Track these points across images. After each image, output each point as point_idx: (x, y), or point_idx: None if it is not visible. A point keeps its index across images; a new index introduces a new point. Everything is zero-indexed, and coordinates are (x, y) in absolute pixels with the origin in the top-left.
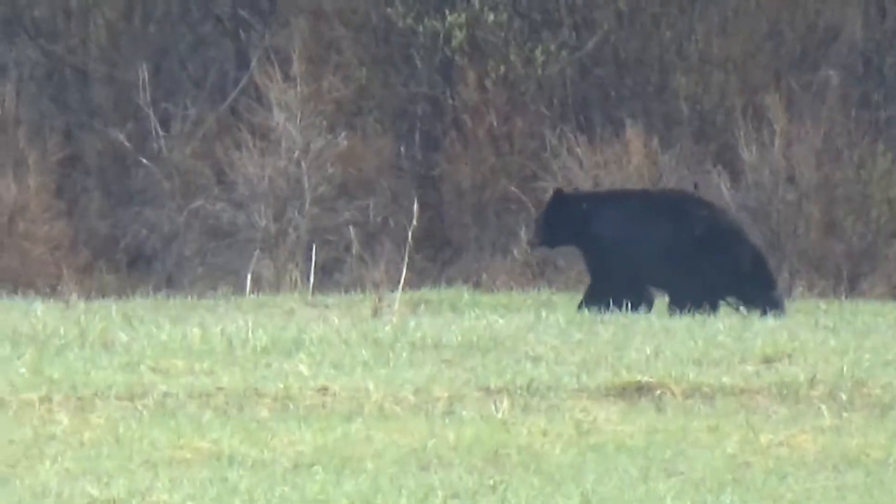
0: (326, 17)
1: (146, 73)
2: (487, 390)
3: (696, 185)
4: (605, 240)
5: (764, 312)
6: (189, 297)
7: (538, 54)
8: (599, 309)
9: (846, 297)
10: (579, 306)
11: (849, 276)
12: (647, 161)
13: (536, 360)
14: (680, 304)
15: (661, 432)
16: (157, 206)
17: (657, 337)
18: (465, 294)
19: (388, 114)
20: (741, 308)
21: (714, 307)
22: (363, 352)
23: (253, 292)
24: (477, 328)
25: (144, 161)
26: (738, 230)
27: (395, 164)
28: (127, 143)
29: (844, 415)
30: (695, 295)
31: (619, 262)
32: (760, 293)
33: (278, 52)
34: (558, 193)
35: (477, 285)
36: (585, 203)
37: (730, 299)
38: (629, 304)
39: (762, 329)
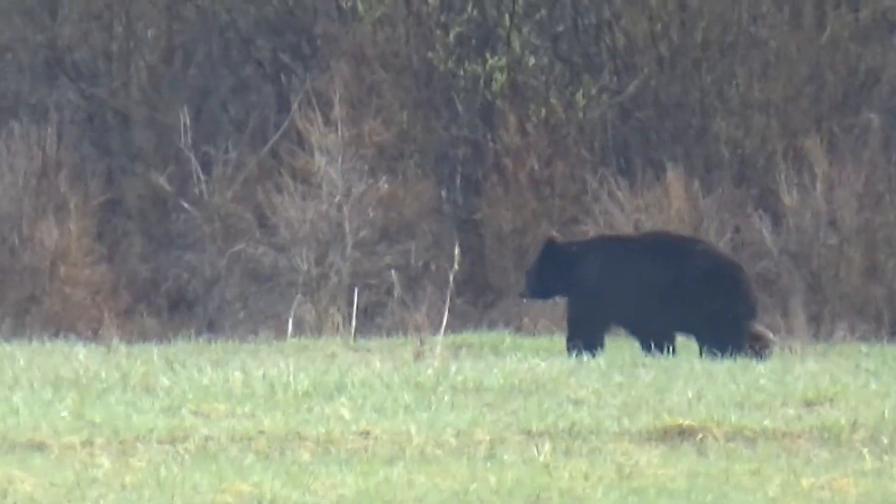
0: (367, 61)
1: (187, 117)
2: (529, 433)
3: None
4: (586, 284)
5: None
6: (230, 341)
7: (579, 98)
8: (584, 352)
9: (888, 340)
10: (573, 352)
11: (890, 319)
12: (688, 205)
13: (578, 403)
14: (719, 347)
15: (703, 476)
16: (198, 250)
17: (699, 380)
18: (506, 337)
19: (429, 157)
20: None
21: (739, 343)
22: (405, 395)
23: (294, 336)
24: (518, 371)
25: (185, 205)
26: (738, 264)
27: (437, 207)
28: (168, 187)
29: (886, 458)
30: (729, 334)
31: (597, 305)
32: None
33: (319, 95)
34: (551, 243)
35: (518, 329)
36: (576, 250)
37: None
38: (660, 348)
39: (803, 373)
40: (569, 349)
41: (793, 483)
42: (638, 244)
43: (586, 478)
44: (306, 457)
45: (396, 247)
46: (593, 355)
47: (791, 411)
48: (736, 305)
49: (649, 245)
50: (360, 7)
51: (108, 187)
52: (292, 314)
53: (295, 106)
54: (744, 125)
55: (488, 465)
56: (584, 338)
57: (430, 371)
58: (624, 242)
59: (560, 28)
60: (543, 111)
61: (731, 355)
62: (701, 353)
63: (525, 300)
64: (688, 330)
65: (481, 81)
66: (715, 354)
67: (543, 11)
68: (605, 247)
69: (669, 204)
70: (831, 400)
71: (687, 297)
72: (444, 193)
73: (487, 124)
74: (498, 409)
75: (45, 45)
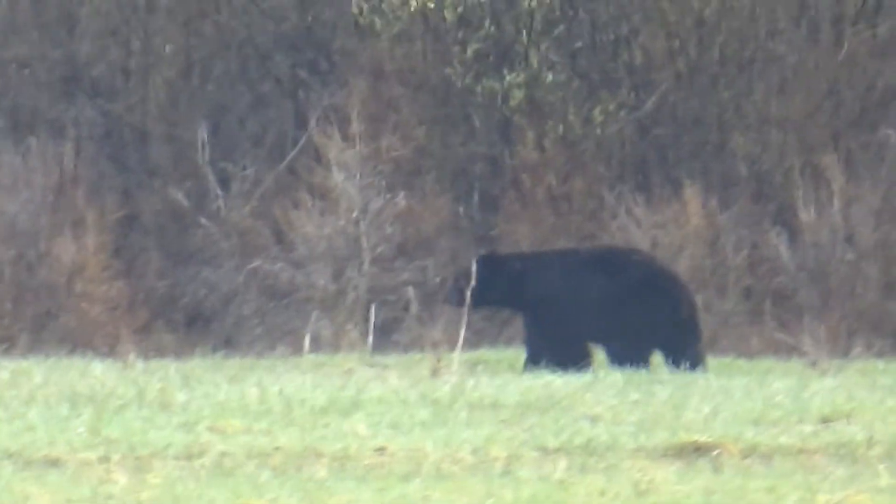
0: (385, 76)
1: (205, 133)
2: (545, 450)
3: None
4: (546, 300)
5: (685, 365)
6: (247, 357)
7: (597, 114)
8: (546, 367)
9: None
10: (525, 367)
11: None
12: (706, 221)
13: (594, 419)
14: (620, 358)
15: (719, 493)
16: (215, 266)
17: (715, 397)
18: (523, 354)
19: (447, 173)
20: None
21: (647, 359)
22: (421, 412)
23: (311, 352)
24: (535, 388)
25: (203, 220)
26: (674, 275)
27: (454, 223)
28: (185, 203)
29: None
30: (633, 346)
31: (560, 321)
32: (689, 343)
33: (337, 111)
34: (487, 256)
35: None
36: (518, 264)
37: (658, 349)
38: (574, 363)
39: (820, 389)
40: (533, 361)
41: (809, 500)
42: (581, 257)
43: (602, 494)
44: (322, 473)
45: (414, 263)
46: (578, 366)
47: (807, 428)
48: (653, 315)
49: (591, 258)
50: (378, 23)
51: (126, 203)
52: (309, 330)
53: (312, 122)
54: (761, 141)
55: (504, 481)
56: (565, 352)
57: (446, 387)
58: (569, 255)
59: (578, 44)
60: (561, 127)
61: (630, 365)
62: (608, 362)
63: (450, 306)
64: (603, 339)
65: (499, 97)
66: (615, 365)
67: (561, 27)
68: (554, 260)
69: (687, 220)
70: (848, 416)
71: (619, 308)
72: (461, 209)
73: (505, 140)
74: (514, 426)
75: (62, 60)
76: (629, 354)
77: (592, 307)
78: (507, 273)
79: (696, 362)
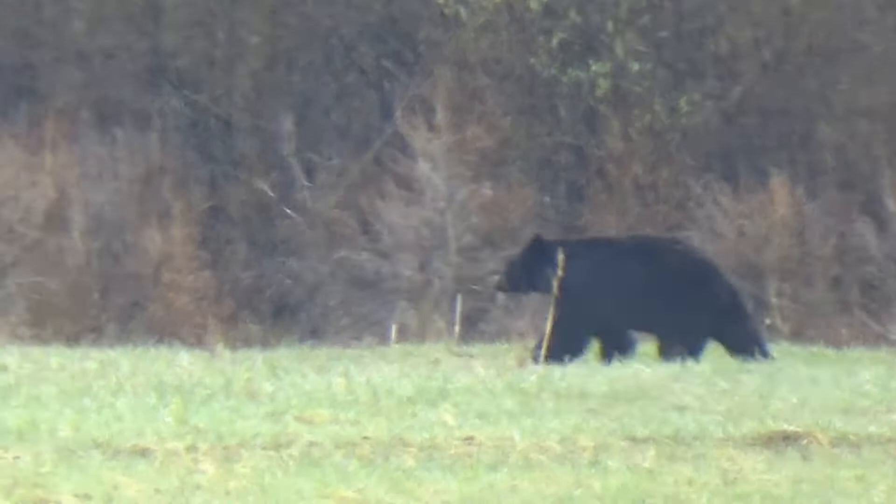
0: (470, 67)
1: (290, 123)
2: (633, 440)
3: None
4: (576, 289)
5: (744, 349)
6: (334, 347)
7: (683, 104)
8: (564, 358)
9: None
10: (539, 357)
11: None
12: (792, 211)
13: (682, 409)
14: (673, 347)
15: (808, 482)
16: (301, 256)
17: (803, 386)
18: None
19: (533, 163)
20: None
21: (701, 347)
22: (508, 401)
23: (398, 342)
24: (622, 377)
25: (289, 211)
26: (712, 264)
27: (540, 213)
28: (271, 193)
29: None
30: (685, 336)
31: (587, 310)
32: (739, 328)
33: (422, 101)
34: (537, 239)
35: None
36: (563, 250)
37: (712, 337)
38: (607, 351)
39: None
40: (555, 349)
41: None
42: (621, 246)
43: (690, 483)
44: (410, 462)
45: (500, 253)
46: (573, 359)
47: None
48: (692, 305)
49: (630, 247)
50: (463, 13)
51: (212, 194)
52: (395, 320)
53: (398, 112)
54: (848, 131)
55: (592, 470)
56: (571, 342)
57: (533, 377)
58: (608, 244)
59: (663, 34)
60: (647, 117)
61: (683, 355)
62: (660, 354)
63: (503, 294)
64: (652, 329)
65: (584, 87)
66: (669, 357)
67: (647, 17)
68: (591, 249)
69: (774, 210)
70: None
71: (656, 297)
72: (547, 199)
73: (591, 130)
74: (602, 415)
75: (148, 52)
76: (683, 343)
77: (629, 295)
78: (553, 258)
79: (752, 347)
